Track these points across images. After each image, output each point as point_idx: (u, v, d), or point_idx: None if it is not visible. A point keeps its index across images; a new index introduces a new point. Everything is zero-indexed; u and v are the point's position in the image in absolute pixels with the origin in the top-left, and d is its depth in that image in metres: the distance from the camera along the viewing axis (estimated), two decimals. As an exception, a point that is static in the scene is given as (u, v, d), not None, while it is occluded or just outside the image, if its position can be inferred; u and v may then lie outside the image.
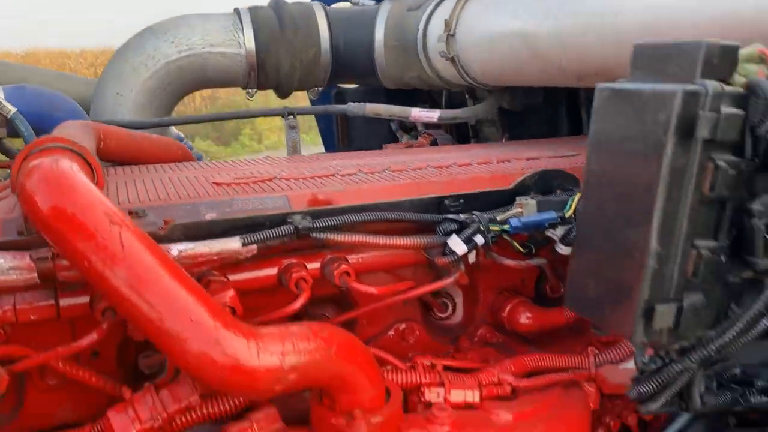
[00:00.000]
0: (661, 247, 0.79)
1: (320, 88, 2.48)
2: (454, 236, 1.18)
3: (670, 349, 0.91)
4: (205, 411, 1.04)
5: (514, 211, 1.27)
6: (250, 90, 2.35)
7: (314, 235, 1.13)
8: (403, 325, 1.40)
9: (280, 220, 1.12)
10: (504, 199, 1.34)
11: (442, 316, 1.46)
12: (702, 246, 0.80)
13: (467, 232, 1.19)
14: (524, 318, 1.42)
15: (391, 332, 1.39)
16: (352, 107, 2.11)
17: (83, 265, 0.86)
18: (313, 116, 3.46)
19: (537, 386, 1.22)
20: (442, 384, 1.14)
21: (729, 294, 0.88)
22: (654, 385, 0.94)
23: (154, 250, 0.87)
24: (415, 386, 1.15)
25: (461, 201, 1.27)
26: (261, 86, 2.35)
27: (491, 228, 1.22)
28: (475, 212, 1.24)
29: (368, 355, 0.99)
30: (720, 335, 0.88)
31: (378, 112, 2.10)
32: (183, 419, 1.03)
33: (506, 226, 1.23)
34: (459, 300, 1.53)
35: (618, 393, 1.30)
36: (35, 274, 0.95)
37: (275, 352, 0.86)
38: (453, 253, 1.18)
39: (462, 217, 1.22)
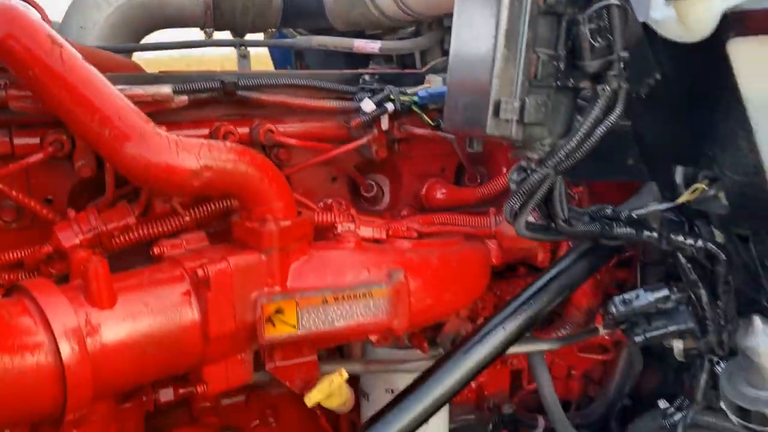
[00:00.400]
0: (507, 51, 0.96)
1: (274, 30, 2.63)
2: (366, 99, 1.35)
3: (527, 157, 1.09)
4: (140, 232, 1.19)
5: (423, 86, 1.45)
6: (207, 30, 2.50)
7: (240, 93, 1.29)
8: (330, 200, 1.55)
9: (210, 77, 1.28)
10: (417, 80, 1.51)
11: (368, 195, 1.62)
12: (542, 52, 0.98)
13: (378, 96, 1.36)
14: (439, 194, 1.59)
15: (320, 204, 1.55)
16: (301, 40, 2.27)
17: (33, 83, 1.02)
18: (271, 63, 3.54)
19: (441, 232, 1.40)
20: (353, 221, 1.31)
21: (571, 104, 1.06)
22: (521, 197, 1.11)
23: (89, 68, 1.03)
24: (329, 224, 1.31)
25: (377, 77, 1.44)
26: (217, 26, 2.50)
27: (402, 98, 1.40)
28: (388, 85, 1.42)
29: (278, 173, 1.15)
30: (567, 142, 1.06)
31: (324, 43, 2.26)
32: (121, 238, 1.18)
33: (415, 97, 1.41)
34: (386, 188, 1.69)
35: (518, 246, 1.47)
36: (-11, 101, 1.10)
37: (193, 152, 1.03)
38: (365, 113, 1.35)
39: (376, 86, 1.39)
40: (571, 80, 1.01)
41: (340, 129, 1.46)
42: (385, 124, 1.40)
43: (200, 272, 1.04)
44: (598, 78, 1.01)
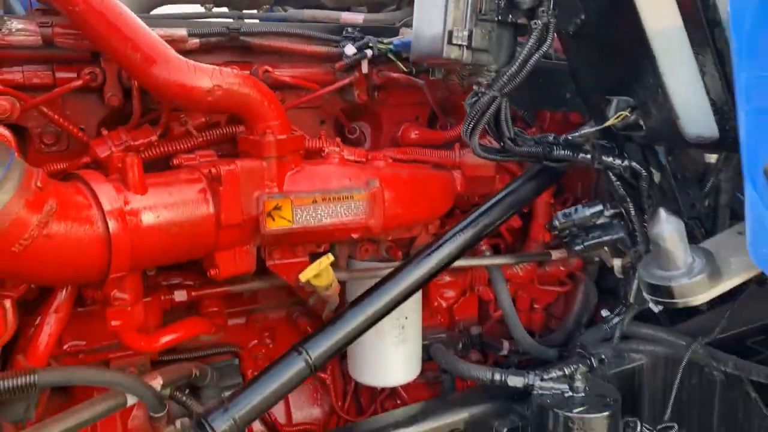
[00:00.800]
0: (458, -10, 1.22)
1: (268, 6, 2.88)
2: (348, 44, 1.60)
3: (477, 83, 1.34)
4: (161, 149, 1.44)
5: (398, 37, 1.70)
6: (207, 5, 2.75)
7: (242, 38, 1.54)
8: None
9: (218, 23, 1.53)
10: (393, 33, 1.77)
11: (352, 137, 1.87)
12: (483, -10, 1.24)
13: (359, 43, 1.62)
14: (413, 134, 1.85)
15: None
16: (293, 13, 2.52)
17: (78, 18, 1.26)
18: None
19: (412, 159, 1.66)
20: (338, 146, 1.56)
21: (512, 38, 1.32)
22: (474, 116, 1.36)
23: (122, 6, 1.27)
24: (318, 149, 1.56)
25: (358, 29, 1.69)
26: (216, 2, 2.75)
27: (379, 46, 1.65)
28: (368, 35, 1.67)
29: (275, 98, 1.40)
30: (509, 68, 1.31)
31: (314, 16, 2.51)
32: (146, 153, 1.42)
33: (390, 45, 1.66)
34: (367, 133, 1.95)
35: (479, 174, 1.73)
36: (39, 37, 1.34)
37: (207, 74, 1.28)
38: (348, 56, 1.60)
39: (357, 35, 1.65)
40: (511, 16, 1.27)
41: (327, 74, 1.71)
42: (365, 68, 1.65)
43: (213, 170, 1.29)
44: (532, 14, 1.27)
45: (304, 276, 1.38)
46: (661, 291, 1.35)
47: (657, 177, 1.58)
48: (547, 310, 2.38)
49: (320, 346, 1.36)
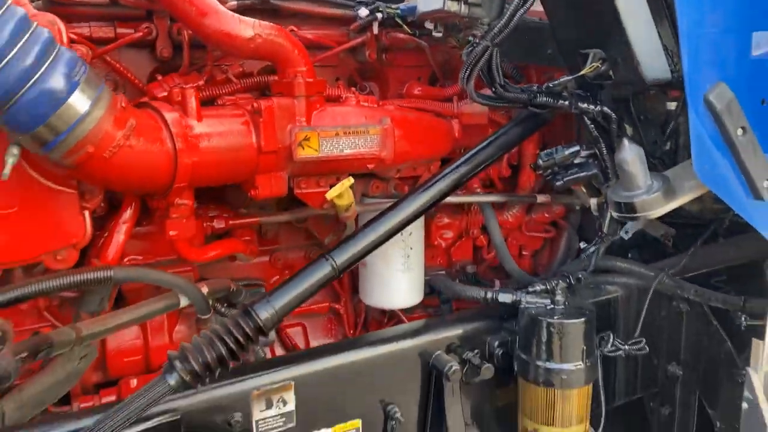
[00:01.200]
0: (457, -45, 1.49)
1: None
2: (362, 8, 1.88)
3: (472, 35, 1.61)
4: (207, 92, 1.70)
5: (404, 3, 1.97)
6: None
7: (272, 1, 1.80)
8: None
9: (252, -11, 1.80)
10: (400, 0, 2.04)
11: (363, 93, 2.14)
12: (479, -44, 1.51)
13: (371, 7, 1.89)
14: (416, 90, 2.12)
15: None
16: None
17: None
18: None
19: (417, 107, 1.93)
20: (354, 93, 1.84)
21: None
22: (469, 64, 1.63)
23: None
24: (337, 96, 1.83)
25: (371, -5, 1.97)
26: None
27: (388, 10, 1.92)
28: (378, 1, 1.94)
29: (303, 48, 1.67)
30: (499, 21, 1.58)
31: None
32: (202, 94, 1.68)
33: (398, 10, 1.93)
34: (376, 90, 2.21)
35: (474, 122, 2.01)
36: (106, -5, 1.61)
37: (249, 25, 1.55)
38: (361, 18, 1.87)
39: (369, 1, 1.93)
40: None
41: (342, 36, 1.98)
42: (376, 29, 1.93)
43: (255, 105, 1.56)
44: (517, -26, 1.55)
45: (330, 195, 1.64)
46: (626, 207, 1.63)
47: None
48: (535, 258, 2.65)
49: (342, 256, 1.62)
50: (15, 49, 1.16)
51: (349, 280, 2.28)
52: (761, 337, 1.74)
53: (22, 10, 1.19)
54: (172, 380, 1.38)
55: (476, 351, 1.91)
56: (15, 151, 1.26)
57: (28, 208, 1.43)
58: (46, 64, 1.20)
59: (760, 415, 1.71)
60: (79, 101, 1.25)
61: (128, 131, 1.35)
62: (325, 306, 2.26)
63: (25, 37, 1.17)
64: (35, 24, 1.21)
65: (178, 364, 1.38)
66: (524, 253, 2.59)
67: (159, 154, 1.42)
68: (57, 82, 1.21)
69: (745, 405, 1.74)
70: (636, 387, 2.32)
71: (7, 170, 1.24)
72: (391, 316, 2.29)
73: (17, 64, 1.16)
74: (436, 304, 2.36)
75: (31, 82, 1.18)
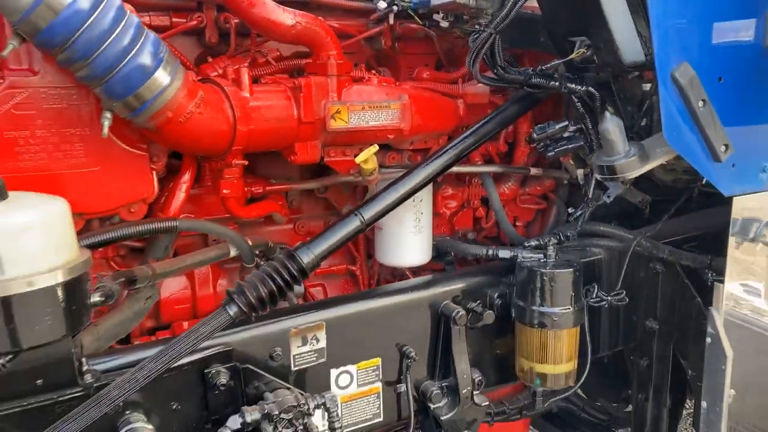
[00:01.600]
0: (466, -43, 1.78)
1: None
2: (381, 1, 2.16)
3: (478, 23, 1.90)
4: (253, 72, 1.98)
5: (417, -4, 2.26)
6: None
7: (305, -5, 2.09)
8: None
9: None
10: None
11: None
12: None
13: (387, 0, 2.18)
14: (425, 74, 2.41)
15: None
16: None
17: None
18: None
19: (425, 87, 2.23)
20: (373, 74, 2.13)
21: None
22: (475, 49, 1.92)
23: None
24: (360, 77, 2.12)
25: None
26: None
27: (402, 3, 2.20)
28: (393, -6, 2.23)
29: (334, 34, 1.95)
30: (501, 12, 1.87)
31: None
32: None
33: (410, 3, 2.22)
34: (388, 75, 2.50)
35: (477, 101, 2.30)
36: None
37: (290, 13, 1.83)
38: (380, 9, 2.16)
39: (386, -6, 2.22)
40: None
41: (361, 26, 2.27)
42: (392, 19, 2.21)
43: (296, 82, 1.84)
44: (515, -27, 1.84)
45: (359, 159, 1.93)
46: (608, 169, 1.93)
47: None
48: (527, 228, 2.95)
49: (369, 212, 1.90)
50: (115, 33, 1.43)
51: (364, 244, 2.56)
52: (722, 282, 2.05)
53: (118, 1, 1.47)
54: (231, 311, 1.65)
55: (478, 301, 2.20)
56: (108, 115, 1.54)
57: (108, 167, 1.70)
58: (138, 45, 1.47)
59: (721, 346, 2.01)
60: (162, 75, 1.53)
61: (198, 101, 1.63)
62: (343, 267, 2.54)
63: (122, 23, 1.45)
64: (128, 12, 1.49)
65: (236, 297, 1.66)
66: (518, 223, 2.88)
67: (222, 121, 1.70)
68: (146, 59, 1.49)
69: (708, 340, 2.05)
70: (618, 340, 2.59)
71: (106, 130, 1.52)
72: (400, 278, 2.58)
73: (116, 44, 1.44)
74: (439, 268, 2.65)
75: (126, 59, 1.46)
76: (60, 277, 1.25)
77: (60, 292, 1.26)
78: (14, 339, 1.25)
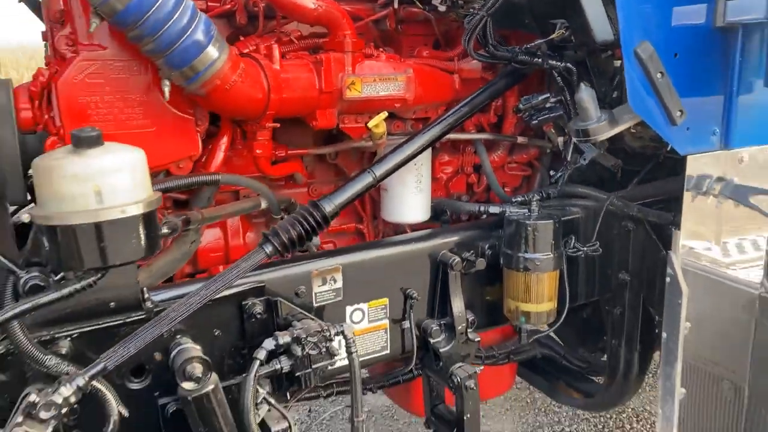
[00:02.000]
0: (463, -50, 2.10)
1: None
2: (387, -11, 2.48)
3: (472, 7, 2.22)
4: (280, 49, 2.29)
5: (416, -16, 2.58)
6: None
7: (321, -17, 2.39)
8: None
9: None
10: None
11: (382, 57, 2.74)
12: (479, -48, 2.12)
13: (394, -13, 2.50)
14: (425, 53, 2.73)
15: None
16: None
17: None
18: None
19: (426, 63, 2.55)
20: (382, 51, 2.45)
21: (494, -21, 2.21)
22: (470, 30, 2.24)
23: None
24: (369, 53, 2.43)
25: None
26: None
27: (406, -9, 2.53)
28: (396, -19, 2.55)
29: (349, 18, 2.26)
30: (492, -2, 2.19)
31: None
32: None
33: (411, -10, 2.54)
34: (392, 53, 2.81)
35: (470, 76, 2.63)
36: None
37: (318, 2, 2.14)
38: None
39: (391, -17, 2.53)
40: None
41: (369, 10, 2.58)
42: (396, 4, 2.53)
43: (318, 57, 2.16)
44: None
45: (371, 123, 2.25)
46: (583, 132, 2.26)
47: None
48: (514, 193, 3.29)
49: (379, 169, 2.23)
50: (177, 14, 1.74)
51: (370, 205, 2.89)
52: (678, 228, 2.40)
53: (177, -14, 1.78)
54: (267, 249, 1.98)
55: (472, 251, 2.53)
56: (167, 83, 1.85)
57: (161, 128, 2.02)
58: (194, 24, 1.79)
59: (678, 285, 2.36)
60: (212, 50, 1.85)
61: (240, 72, 1.95)
62: (352, 226, 2.87)
63: (182, 6, 1.76)
64: (184, -5, 1.80)
65: (271, 237, 1.98)
66: (506, 189, 3.21)
67: (258, 90, 2.03)
68: (200, 36, 1.80)
69: (668, 279, 2.40)
70: (594, 291, 2.93)
71: (167, 95, 1.83)
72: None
73: (177, 24, 1.75)
74: (436, 227, 2.98)
75: (185, 36, 1.77)
76: (142, 209, 1.57)
77: (142, 221, 1.57)
78: (105, 257, 1.56)
